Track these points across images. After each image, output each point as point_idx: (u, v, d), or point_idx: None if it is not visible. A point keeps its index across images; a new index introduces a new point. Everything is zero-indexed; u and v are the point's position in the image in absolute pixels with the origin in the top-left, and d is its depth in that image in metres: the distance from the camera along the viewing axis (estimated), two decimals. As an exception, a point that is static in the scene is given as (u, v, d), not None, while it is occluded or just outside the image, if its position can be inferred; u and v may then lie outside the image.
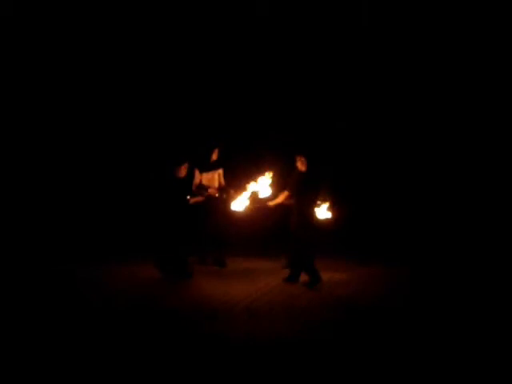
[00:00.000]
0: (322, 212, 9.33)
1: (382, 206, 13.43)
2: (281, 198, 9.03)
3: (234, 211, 9.39)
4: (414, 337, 6.08)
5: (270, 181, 9.17)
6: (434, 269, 10.23)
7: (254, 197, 9.32)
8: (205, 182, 10.12)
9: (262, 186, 9.19)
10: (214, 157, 10.36)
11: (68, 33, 13.16)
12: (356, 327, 6.42)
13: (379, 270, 10.28)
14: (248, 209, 9.32)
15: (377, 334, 6.13)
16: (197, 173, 10.07)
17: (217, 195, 10.01)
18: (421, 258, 11.21)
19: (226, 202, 9.71)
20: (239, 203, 9.30)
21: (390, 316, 6.94)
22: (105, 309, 7.21)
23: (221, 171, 10.41)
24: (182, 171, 9.19)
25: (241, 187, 9.28)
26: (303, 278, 8.93)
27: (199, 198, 9.88)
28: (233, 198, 9.40)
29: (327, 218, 9.40)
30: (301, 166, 8.87)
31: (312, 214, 8.86)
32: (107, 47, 13.40)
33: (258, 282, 8.94)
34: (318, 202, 9.17)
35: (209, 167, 10.24)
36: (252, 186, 9.08)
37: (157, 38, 13.46)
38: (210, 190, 9.98)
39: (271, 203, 9.14)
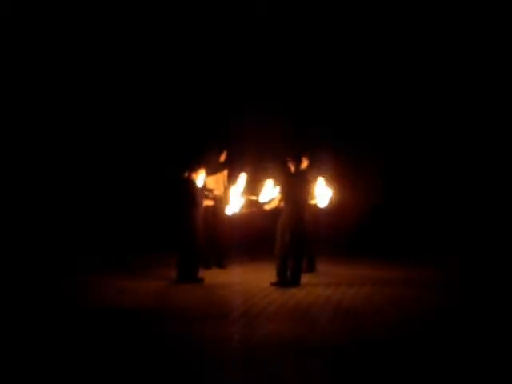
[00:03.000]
0: (322, 198, 9.38)
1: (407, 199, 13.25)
2: (276, 202, 9.03)
3: (230, 215, 9.35)
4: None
5: (268, 185, 9.17)
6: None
7: (249, 201, 9.33)
8: (210, 183, 9.97)
9: (261, 190, 9.21)
10: (222, 158, 10.34)
11: (68, 33, 13.15)
12: (356, 334, 6.35)
13: (396, 272, 10.01)
14: (244, 213, 9.34)
15: (377, 345, 6.01)
16: (203, 173, 9.80)
17: (222, 197, 9.95)
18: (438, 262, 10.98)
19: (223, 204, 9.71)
20: (234, 207, 9.27)
21: (391, 325, 6.81)
22: (103, 311, 7.23)
23: (225, 173, 10.38)
24: (199, 173, 9.17)
25: (239, 191, 9.28)
26: (303, 280, 8.97)
27: (209, 201, 9.86)
28: (226, 201, 9.41)
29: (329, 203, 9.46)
30: (291, 167, 8.93)
31: (302, 214, 8.86)
32: (108, 47, 13.39)
33: (257, 284, 8.92)
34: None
35: (215, 168, 10.19)
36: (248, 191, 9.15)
37: (159, 38, 13.46)
38: (215, 193, 9.89)
39: (267, 207, 9.15)
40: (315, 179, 9.33)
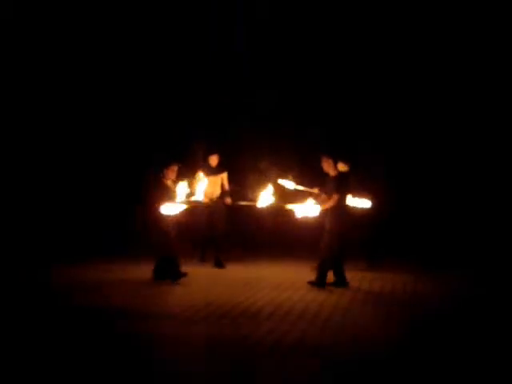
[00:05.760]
0: (360, 202, 9.26)
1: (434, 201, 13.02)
2: (331, 202, 8.61)
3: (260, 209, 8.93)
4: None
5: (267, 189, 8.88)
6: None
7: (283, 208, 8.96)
8: (209, 185, 9.67)
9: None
10: (213, 163, 10.29)
11: (68, 33, 13.21)
12: (354, 333, 6.28)
13: (399, 276, 9.68)
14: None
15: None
16: (201, 176, 9.29)
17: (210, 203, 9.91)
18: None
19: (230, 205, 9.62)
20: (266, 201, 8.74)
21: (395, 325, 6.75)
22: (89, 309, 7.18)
23: (225, 175, 10.32)
24: (171, 174, 8.95)
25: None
26: (304, 279, 8.89)
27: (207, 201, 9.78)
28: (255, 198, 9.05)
29: (365, 208, 9.35)
30: (327, 167, 8.69)
31: (348, 212, 8.81)
32: (107, 47, 13.44)
33: (256, 283, 8.86)
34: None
35: (213, 171, 10.11)
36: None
37: (157, 38, 13.49)
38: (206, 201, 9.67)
39: (322, 208, 8.65)
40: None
